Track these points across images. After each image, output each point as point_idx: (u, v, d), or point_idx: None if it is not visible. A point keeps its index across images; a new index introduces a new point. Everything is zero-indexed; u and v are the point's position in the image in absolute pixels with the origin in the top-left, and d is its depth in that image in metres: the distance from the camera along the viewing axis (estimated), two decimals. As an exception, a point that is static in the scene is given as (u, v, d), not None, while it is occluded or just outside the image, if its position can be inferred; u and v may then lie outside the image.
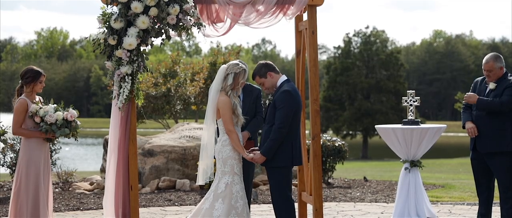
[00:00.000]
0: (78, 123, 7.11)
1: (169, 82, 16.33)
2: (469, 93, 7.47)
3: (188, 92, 16.10)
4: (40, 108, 6.96)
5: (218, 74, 6.63)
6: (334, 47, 49.58)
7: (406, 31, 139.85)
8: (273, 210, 6.83)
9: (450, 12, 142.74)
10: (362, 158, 41.43)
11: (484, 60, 7.45)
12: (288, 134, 6.52)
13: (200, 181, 6.75)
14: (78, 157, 27.59)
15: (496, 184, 7.59)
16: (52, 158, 11.62)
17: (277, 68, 6.85)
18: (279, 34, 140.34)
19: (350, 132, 46.08)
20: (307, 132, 8.51)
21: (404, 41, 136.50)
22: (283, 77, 6.76)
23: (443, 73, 76.40)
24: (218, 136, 6.71)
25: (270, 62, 6.85)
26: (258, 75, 6.79)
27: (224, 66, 6.66)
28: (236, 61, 6.70)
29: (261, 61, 6.89)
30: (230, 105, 6.50)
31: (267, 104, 6.82)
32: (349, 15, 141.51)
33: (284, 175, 6.59)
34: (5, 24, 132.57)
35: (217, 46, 19.46)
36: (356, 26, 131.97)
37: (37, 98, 7.16)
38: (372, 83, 45.81)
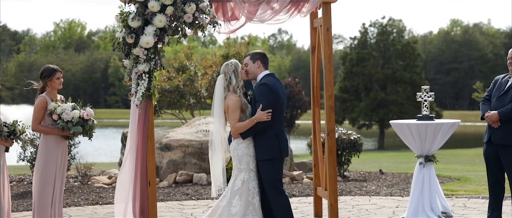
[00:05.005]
0: (95, 122, 7.23)
1: (181, 77, 16.48)
2: (489, 113, 7.43)
3: (198, 86, 16.25)
4: (58, 106, 7.10)
5: (218, 85, 6.79)
6: (351, 38, 49.52)
7: (423, 21, 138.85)
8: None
9: (467, 1, 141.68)
10: (378, 148, 41.38)
11: (510, 50, 7.39)
12: (272, 127, 6.64)
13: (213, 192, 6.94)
14: (95, 148, 27.86)
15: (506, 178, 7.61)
16: (71, 152, 11.77)
17: (268, 66, 6.93)
18: (296, 25, 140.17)
19: (366, 123, 46.01)
20: (322, 122, 8.52)
21: (421, 31, 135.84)
22: (266, 72, 6.85)
23: (461, 62, 75.93)
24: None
25: (267, 56, 6.95)
26: (249, 56, 6.90)
27: (220, 77, 6.80)
28: (225, 63, 6.85)
29: (261, 50, 7.00)
30: (239, 103, 6.66)
31: (249, 100, 6.89)
32: (365, 3, 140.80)
33: (274, 167, 6.69)
34: (22, 15, 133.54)
35: (229, 38, 19.43)
36: (372, 15, 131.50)
37: (59, 97, 7.30)
38: (388, 74, 45.67)
